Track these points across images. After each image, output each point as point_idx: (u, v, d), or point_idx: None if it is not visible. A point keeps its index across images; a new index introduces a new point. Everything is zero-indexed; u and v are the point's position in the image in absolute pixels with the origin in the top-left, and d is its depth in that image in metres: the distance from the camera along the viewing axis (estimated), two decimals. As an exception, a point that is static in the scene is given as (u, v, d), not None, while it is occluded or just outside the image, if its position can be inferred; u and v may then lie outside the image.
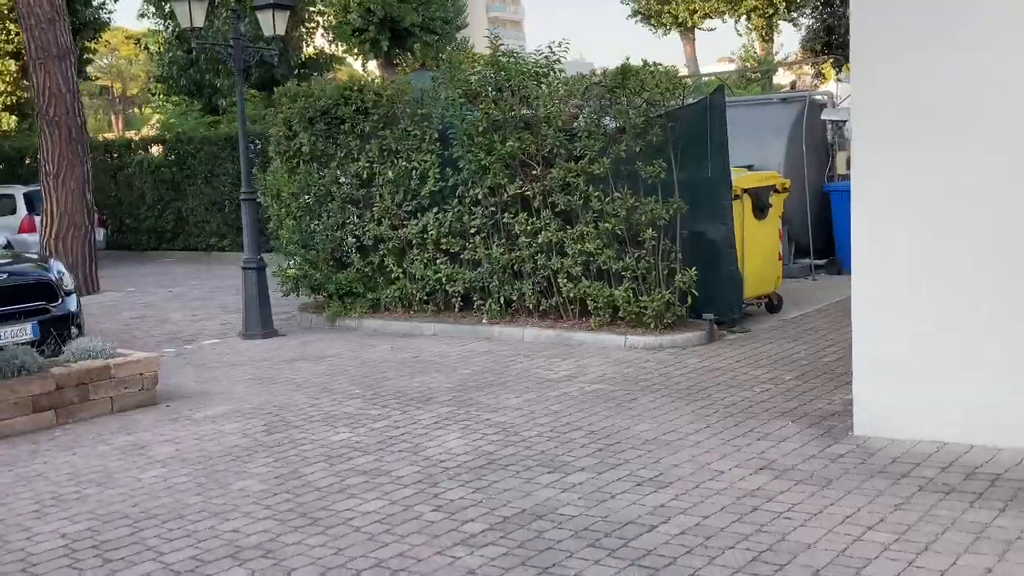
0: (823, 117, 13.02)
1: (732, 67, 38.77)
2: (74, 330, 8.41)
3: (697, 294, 8.80)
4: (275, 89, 11.62)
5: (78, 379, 6.93)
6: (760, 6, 35.28)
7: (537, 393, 7.21)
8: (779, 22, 36.40)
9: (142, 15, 31.50)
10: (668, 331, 8.77)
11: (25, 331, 7.90)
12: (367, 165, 10.32)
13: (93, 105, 66.02)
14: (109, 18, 32.45)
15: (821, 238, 12.90)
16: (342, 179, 10.62)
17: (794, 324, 9.54)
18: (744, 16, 36.46)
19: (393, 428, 6.45)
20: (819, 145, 13.13)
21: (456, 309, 10.07)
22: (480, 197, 9.59)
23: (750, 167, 11.14)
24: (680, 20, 37.29)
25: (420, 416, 6.72)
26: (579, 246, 9.03)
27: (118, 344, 7.85)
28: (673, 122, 8.79)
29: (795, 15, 37.28)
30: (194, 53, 27.89)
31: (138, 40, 32.44)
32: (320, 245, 10.72)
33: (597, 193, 8.93)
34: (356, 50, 28.88)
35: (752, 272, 9.52)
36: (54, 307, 8.25)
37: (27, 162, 22.25)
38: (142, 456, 6.10)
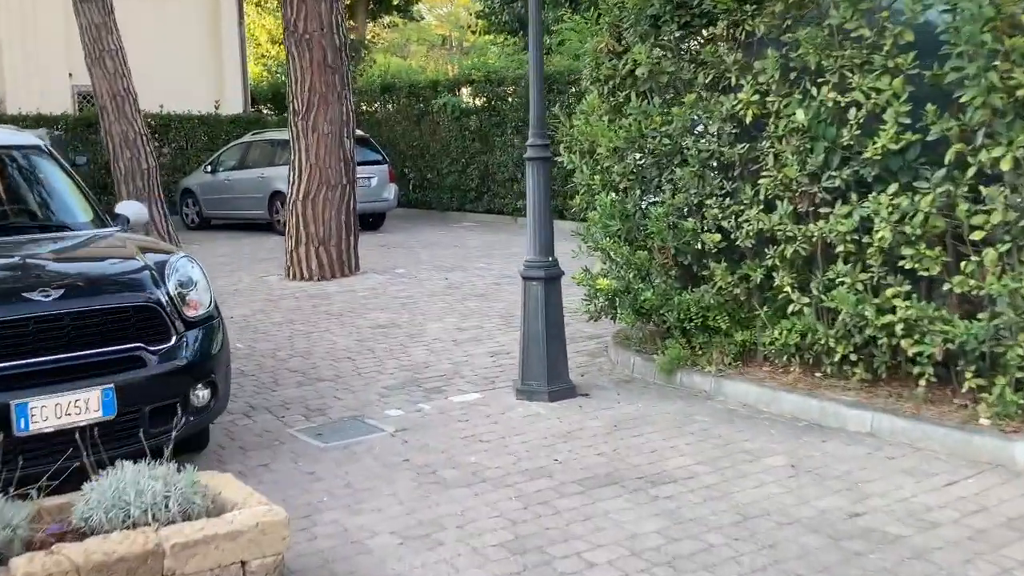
0: None
1: None
2: (199, 395, 4.51)
3: None
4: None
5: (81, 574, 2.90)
6: None
7: None
8: None
9: (469, -51, 28.62)
10: None
11: (86, 406, 4.06)
12: (754, 99, 5.55)
13: (433, 56, 65.97)
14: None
15: None
16: (704, 125, 5.95)
17: None
18: None
19: None
20: None
21: (920, 383, 5.09)
22: (1006, 166, 4.53)
23: None
24: None
25: None
26: None
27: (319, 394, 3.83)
28: None
29: None
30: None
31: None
32: (657, 239, 6.15)
33: None
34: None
35: None
36: (157, 352, 4.34)
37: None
38: None
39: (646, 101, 6.24)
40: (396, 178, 16.90)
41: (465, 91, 18.71)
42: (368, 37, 32.08)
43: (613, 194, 6.39)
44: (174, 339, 4.43)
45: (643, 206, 6.30)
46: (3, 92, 18.97)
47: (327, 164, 10.26)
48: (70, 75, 19.04)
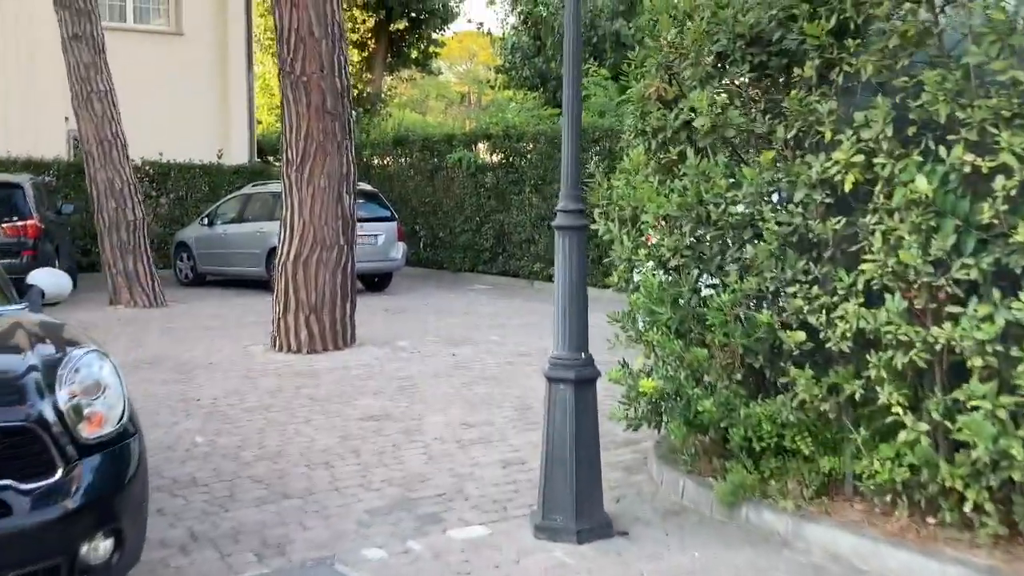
0: None
1: None
2: (96, 549, 3.22)
3: None
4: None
5: None
6: None
7: None
8: None
9: (491, 1, 27.92)
10: None
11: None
12: (856, 160, 4.28)
13: (451, 112, 65.39)
14: (459, 8, 29.50)
15: None
16: (783, 191, 4.69)
17: None
18: None
19: None
20: None
21: (1082, 551, 3.76)
22: None
23: None
24: None
25: None
26: None
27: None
28: None
29: None
30: (540, 40, 23.70)
31: (480, 25, 28.91)
32: (717, 334, 4.85)
33: None
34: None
35: None
36: (31, 492, 3.06)
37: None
38: None
39: (706, 159, 5.00)
40: (405, 236, 15.75)
41: (482, 146, 17.66)
42: (385, 90, 31.27)
43: (662, 273, 5.13)
44: (60, 472, 3.15)
45: (701, 290, 5.02)
46: (-7, 134, 17.98)
47: (323, 222, 9.05)
48: (66, 119, 18.06)
